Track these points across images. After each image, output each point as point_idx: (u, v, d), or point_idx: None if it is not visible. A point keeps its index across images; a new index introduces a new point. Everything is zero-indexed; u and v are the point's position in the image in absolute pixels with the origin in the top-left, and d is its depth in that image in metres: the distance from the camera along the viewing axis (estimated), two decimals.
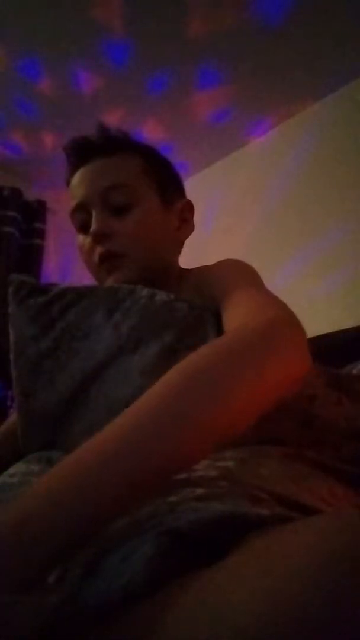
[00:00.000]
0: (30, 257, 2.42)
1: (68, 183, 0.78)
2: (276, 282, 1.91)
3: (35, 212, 2.47)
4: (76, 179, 0.75)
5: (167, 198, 0.77)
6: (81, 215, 0.75)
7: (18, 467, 0.54)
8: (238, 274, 0.67)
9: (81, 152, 0.76)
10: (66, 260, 2.61)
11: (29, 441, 0.61)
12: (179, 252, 0.83)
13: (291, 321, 0.48)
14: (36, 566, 0.28)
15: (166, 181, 0.78)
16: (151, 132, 2.23)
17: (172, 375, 0.39)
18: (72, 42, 1.82)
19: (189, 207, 0.82)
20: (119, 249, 0.71)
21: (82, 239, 0.75)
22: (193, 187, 2.51)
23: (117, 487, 0.31)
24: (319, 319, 1.69)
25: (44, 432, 0.60)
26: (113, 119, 2.14)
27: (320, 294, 1.87)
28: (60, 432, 0.58)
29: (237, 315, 0.54)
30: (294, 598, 0.19)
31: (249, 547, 0.26)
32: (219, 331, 0.58)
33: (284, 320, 0.48)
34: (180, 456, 0.34)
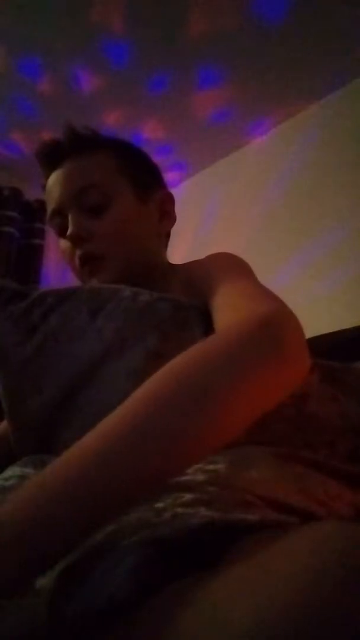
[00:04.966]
0: (30, 257, 2.42)
1: (44, 188, 0.77)
2: (276, 282, 1.90)
3: (35, 212, 2.47)
4: (49, 184, 0.74)
5: (144, 192, 0.75)
6: (58, 220, 0.74)
7: (13, 471, 0.53)
8: (227, 267, 0.64)
9: (51, 156, 0.75)
10: None
11: (22, 445, 0.60)
12: (165, 246, 0.81)
13: (287, 317, 0.45)
14: (10, 572, 0.27)
15: (141, 175, 0.76)
16: (151, 132, 2.23)
17: (154, 382, 0.37)
18: (72, 42, 1.82)
19: (169, 199, 0.79)
20: (97, 250, 0.70)
21: (63, 244, 0.74)
22: (193, 187, 2.52)
23: (93, 500, 0.29)
24: (319, 319, 1.69)
25: (37, 436, 0.59)
26: (113, 119, 2.14)
27: (320, 293, 1.86)
28: (52, 436, 0.57)
29: (226, 312, 0.51)
30: (292, 610, 0.19)
31: (241, 555, 0.26)
32: (207, 331, 0.56)
33: (279, 316, 0.44)
34: (161, 470, 0.32)
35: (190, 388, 0.35)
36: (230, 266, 0.65)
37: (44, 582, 0.31)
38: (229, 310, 0.51)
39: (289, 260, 2.01)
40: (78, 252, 0.71)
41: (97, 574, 0.29)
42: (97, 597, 0.28)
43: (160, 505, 0.32)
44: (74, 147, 0.73)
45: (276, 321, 0.43)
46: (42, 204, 2.50)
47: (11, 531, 0.28)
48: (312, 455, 0.47)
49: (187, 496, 0.33)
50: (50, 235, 2.52)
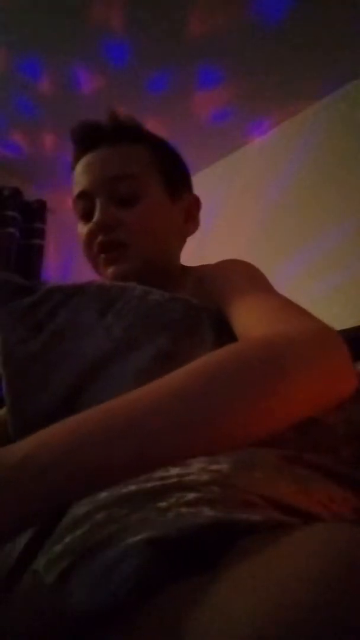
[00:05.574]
0: (30, 257, 2.42)
1: (73, 168, 0.75)
2: (276, 282, 1.90)
3: (35, 212, 2.47)
4: (82, 165, 0.73)
5: (174, 192, 0.75)
6: (84, 203, 0.72)
7: None
8: (249, 276, 0.64)
9: (89, 137, 0.73)
10: (66, 260, 2.61)
11: None
12: (181, 248, 0.80)
13: (332, 333, 0.45)
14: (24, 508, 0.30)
15: (174, 175, 0.76)
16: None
17: (187, 371, 0.38)
18: (72, 42, 1.82)
19: (196, 203, 0.80)
20: (122, 239, 0.69)
21: (83, 228, 0.73)
22: (193, 187, 2.52)
23: (85, 468, 0.33)
24: None
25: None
26: None
27: (320, 294, 1.86)
28: None
29: (255, 320, 0.50)
30: (294, 609, 0.19)
31: (244, 555, 0.26)
32: (217, 333, 0.56)
33: (324, 331, 0.44)
34: (177, 453, 0.35)
35: (219, 387, 0.37)
36: (254, 276, 0.64)
37: (48, 579, 0.31)
38: (259, 320, 0.50)
39: (289, 260, 2.01)
40: (100, 239, 0.70)
41: (99, 572, 0.29)
42: (99, 595, 0.28)
43: (163, 504, 0.32)
44: (115, 134, 0.72)
45: (322, 336, 0.43)
46: (42, 204, 2.50)
47: (48, 456, 0.32)
48: (316, 459, 0.46)
49: (191, 495, 0.33)
50: (50, 235, 2.52)
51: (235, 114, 2.16)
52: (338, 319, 1.70)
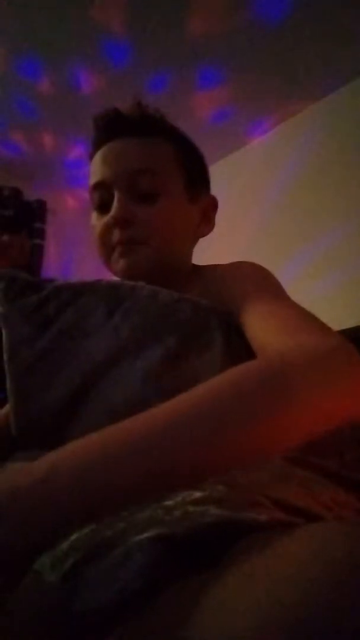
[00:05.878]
0: (30, 257, 2.42)
1: (92, 156, 0.73)
2: None
3: (35, 212, 2.47)
4: (102, 153, 0.70)
5: (194, 192, 0.73)
6: (101, 194, 0.70)
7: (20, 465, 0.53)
8: (263, 282, 0.62)
9: (113, 126, 0.71)
10: (66, 260, 2.61)
11: (26, 439, 0.59)
12: (193, 248, 0.79)
13: (347, 349, 0.44)
14: (21, 542, 0.28)
15: (196, 174, 0.75)
16: None
17: (199, 392, 0.37)
18: (72, 42, 1.82)
19: (214, 205, 0.78)
20: (140, 236, 0.67)
21: (97, 219, 0.71)
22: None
23: (110, 487, 0.30)
24: None
25: (44, 432, 0.58)
26: None
27: (320, 294, 1.86)
28: (59, 431, 0.57)
29: (268, 332, 0.49)
30: (295, 608, 0.19)
31: (247, 554, 0.26)
32: (226, 334, 0.56)
33: (338, 348, 0.43)
34: (186, 473, 0.33)
35: (239, 410, 0.36)
36: (269, 283, 0.63)
37: (52, 578, 0.32)
38: (277, 332, 0.48)
39: (289, 260, 2.02)
40: (118, 235, 0.68)
41: (106, 570, 0.29)
42: (105, 593, 0.28)
43: (170, 503, 0.32)
44: (141, 125, 0.70)
45: (335, 357, 0.42)
46: (42, 204, 2.50)
47: (69, 475, 0.30)
48: (321, 462, 0.46)
49: (197, 494, 0.33)
50: (50, 235, 2.52)
51: (235, 114, 2.16)
52: (338, 319, 1.69)
